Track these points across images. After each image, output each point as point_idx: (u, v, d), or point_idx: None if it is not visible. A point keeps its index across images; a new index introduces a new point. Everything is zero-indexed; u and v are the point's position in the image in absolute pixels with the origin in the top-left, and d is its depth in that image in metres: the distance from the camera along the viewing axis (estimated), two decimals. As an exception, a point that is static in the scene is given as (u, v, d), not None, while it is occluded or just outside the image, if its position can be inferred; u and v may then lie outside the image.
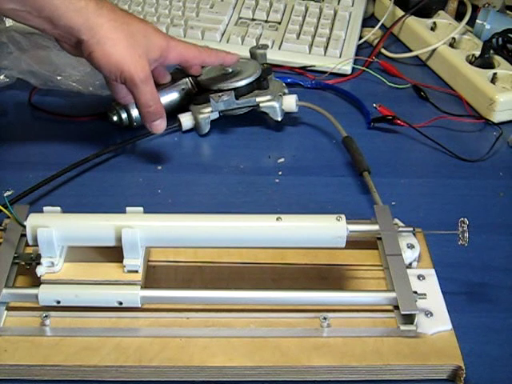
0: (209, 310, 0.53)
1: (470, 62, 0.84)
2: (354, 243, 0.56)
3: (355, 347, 0.50)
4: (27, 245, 0.55)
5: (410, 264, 0.57)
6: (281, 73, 0.85)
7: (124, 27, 0.63)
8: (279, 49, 0.88)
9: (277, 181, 0.70)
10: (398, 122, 0.77)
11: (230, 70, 0.76)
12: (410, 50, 0.91)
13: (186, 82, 0.76)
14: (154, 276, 0.56)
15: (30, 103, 0.78)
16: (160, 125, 0.69)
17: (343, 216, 0.53)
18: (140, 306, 0.52)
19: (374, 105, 0.79)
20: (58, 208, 0.55)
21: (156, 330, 0.52)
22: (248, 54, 0.80)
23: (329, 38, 0.89)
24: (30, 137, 0.74)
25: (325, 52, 0.87)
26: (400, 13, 0.94)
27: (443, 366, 0.50)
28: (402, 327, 0.51)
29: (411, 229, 0.57)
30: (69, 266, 0.53)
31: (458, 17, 0.93)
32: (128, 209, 0.55)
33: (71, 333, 0.51)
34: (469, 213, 0.58)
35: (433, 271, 0.57)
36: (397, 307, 0.52)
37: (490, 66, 0.84)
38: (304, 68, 0.86)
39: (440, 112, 0.80)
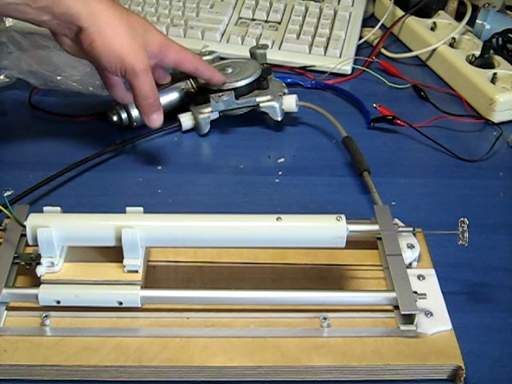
0: (209, 310, 0.53)
1: (470, 62, 0.84)
2: (353, 243, 0.56)
3: (355, 347, 0.50)
4: (27, 245, 0.55)
5: (410, 264, 0.57)
6: (281, 73, 0.85)
7: (123, 16, 0.62)
8: (279, 49, 0.88)
9: (277, 181, 0.70)
10: (398, 122, 0.77)
11: (230, 70, 0.76)
12: (410, 50, 0.91)
13: (186, 82, 0.76)
14: (153, 276, 0.56)
15: (30, 103, 0.78)
16: (157, 118, 0.68)
17: (343, 216, 0.53)
18: (140, 306, 0.52)
19: (374, 105, 0.79)
20: (58, 208, 0.55)
21: (156, 329, 0.52)
22: (248, 54, 0.80)
23: (329, 38, 0.89)
24: (30, 137, 0.74)
25: (325, 52, 0.87)
26: (400, 13, 0.94)
27: (443, 366, 0.50)
28: (402, 327, 0.51)
29: (411, 229, 0.57)
30: (69, 265, 0.53)
31: (458, 17, 0.93)
32: (128, 209, 0.55)
33: (71, 333, 0.51)
34: (469, 213, 0.58)
35: (433, 271, 0.57)
36: (397, 307, 0.52)
37: (490, 66, 0.84)
38: (304, 68, 0.86)
39: (440, 112, 0.80)
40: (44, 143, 0.73)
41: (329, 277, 0.57)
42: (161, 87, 0.74)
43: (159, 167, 0.71)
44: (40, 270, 0.52)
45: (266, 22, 0.92)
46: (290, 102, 0.75)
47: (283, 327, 0.52)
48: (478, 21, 0.90)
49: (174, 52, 0.68)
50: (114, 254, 0.53)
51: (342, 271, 0.57)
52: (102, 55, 0.62)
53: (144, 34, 0.64)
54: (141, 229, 0.51)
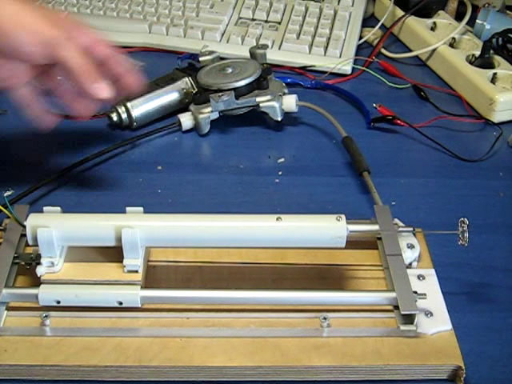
0: (209, 310, 0.53)
1: (470, 62, 0.84)
2: (353, 243, 0.56)
3: (355, 347, 0.50)
4: (27, 245, 0.55)
5: (410, 264, 0.57)
6: (281, 73, 0.85)
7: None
8: (279, 49, 0.88)
9: (277, 181, 0.70)
10: (398, 122, 0.77)
11: (230, 70, 0.76)
12: (410, 50, 0.91)
13: (186, 82, 0.76)
14: (153, 276, 0.56)
15: (30, 103, 0.78)
16: (102, 86, 0.57)
17: (343, 216, 0.53)
18: (140, 306, 0.52)
19: (374, 105, 0.79)
20: (58, 208, 0.55)
21: (156, 330, 0.52)
22: (248, 54, 0.80)
23: (329, 38, 0.89)
24: (30, 137, 0.74)
25: (325, 52, 0.87)
26: (400, 13, 0.94)
27: (443, 366, 0.50)
28: (402, 327, 0.51)
29: (411, 229, 0.57)
30: (69, 265, 0.53)
31: (458, 17, 0.93)
32: (128, 209, 0.55)
33: (71, 333, 0.51)
34: (469, 213, 0.58)
35: (433, 271, 0.57)
36: (397, 307, 0.52)
37: (490, 66, 0.84)
38: (304, 68, 0.86)
39: (440, 112, 0.80)
40: (44, 143, 0.73)
41: (329, 277, 0.57)
42: (160, 87, 0.75)
43: (159, 167, 0.71)
44: (40, 270, 0.52)
45: (266, 22, 0.92)
46: (290, 102, 0.75)
47: (283, 327, 0.52)
48: (477, 21, 0.90)
49: (87, 32, 0.59)
50: (114, 253, 0.53)
51: (341, 271, 0.57)
52: (18, 39, 0.55)
53: (50, 14, 0.58)
54: (141, 229, 0.51)
